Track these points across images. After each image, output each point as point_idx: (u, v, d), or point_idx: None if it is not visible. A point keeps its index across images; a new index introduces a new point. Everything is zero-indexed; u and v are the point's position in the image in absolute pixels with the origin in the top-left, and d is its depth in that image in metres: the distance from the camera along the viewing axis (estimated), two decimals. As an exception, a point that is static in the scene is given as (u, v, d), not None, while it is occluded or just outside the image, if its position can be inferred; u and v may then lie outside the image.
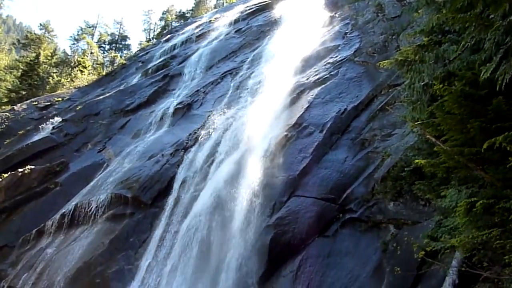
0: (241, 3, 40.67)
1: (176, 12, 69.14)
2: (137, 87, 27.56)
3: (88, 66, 49.72)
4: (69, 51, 62.90)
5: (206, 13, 52.59)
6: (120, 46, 66.45)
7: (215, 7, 61.32)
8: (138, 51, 45.05)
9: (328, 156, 14.73)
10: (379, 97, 16.44)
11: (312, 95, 17.89)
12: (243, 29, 31.06)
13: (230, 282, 12.20)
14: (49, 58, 48.11)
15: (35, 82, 41.33)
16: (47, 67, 46.62)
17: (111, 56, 59.52)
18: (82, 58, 50.48)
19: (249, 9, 35.05)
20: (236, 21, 33.40)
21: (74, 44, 61.84)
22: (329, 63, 20.22)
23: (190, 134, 19.53)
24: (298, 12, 29.71)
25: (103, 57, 60.94)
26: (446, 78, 7.30)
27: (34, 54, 45.23)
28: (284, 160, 14.93)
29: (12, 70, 49.56)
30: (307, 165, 14.34)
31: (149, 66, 31.19)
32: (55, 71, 48.07)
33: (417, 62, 8.09)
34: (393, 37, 19.31)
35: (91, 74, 47.75)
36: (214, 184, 15.18)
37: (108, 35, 65.85)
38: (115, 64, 50.88)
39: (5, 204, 18.75)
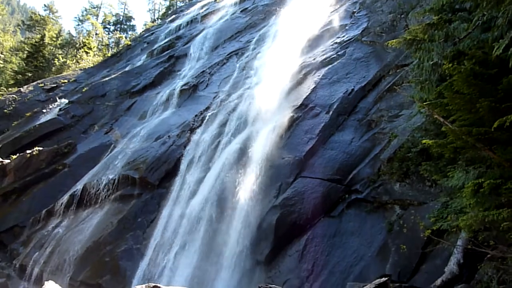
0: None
1: (181, -9, 68.11)
2: (143, 68, 27.45)
3: (93, 47, 49.49)
4: (74, 32, 62.50)
5: (211, -8, 51.72)
6: (125, 27, 65.81)
7: (220, -13, 60.23)
8: (143, 31, 44.62)
9: (335, 137, 14.70)
10: (387, 77, 16.25)
11: (318, 76, 17.73)
12: (249, 8, 30.59)
13: (236, 261, 12.39)
14: (54, 39, 47.92)
15: (41, 64, 41.29)
16: (52, 49, 46.49)
17: (116, 37, 59.11)
18: (87, 39, 50.21)
19: (255, -12, 34.43)
20: (242, 1, 32.87)
21: (78, 25, 61.43)
22: (336, 43, 19.94)
23: (196, 116, 19.52)
24: (304, -9, 29.15)
25: (108, 38, 60.56)
26: (455, 57, 7.17)
27: (39, 36, 45.01)
28: (290, 141, 14.93)
29: (17, 52, 49.47)
30: (313, 146, 14.34)
31: (154, 47, 30.96)
32: (60, 52, 47.95)
33: (426, 41, 7.93)
34: (402, 16, 18.92)
35: (96, 56, 47.57)
36: (220, 165, 15.25)
37: (113, 15, 65.17)
38: (120, 45, 50.62)
39: (15, 185, 19.03)
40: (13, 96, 29.15)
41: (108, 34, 62.19)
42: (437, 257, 9.40)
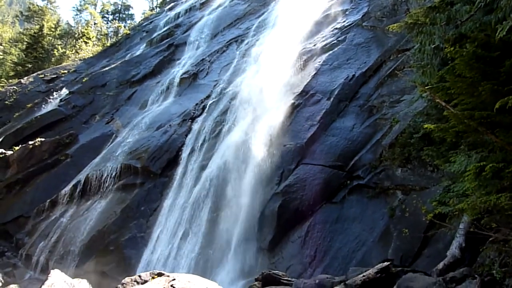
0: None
1: (179, -21, 67.30)
2: (142, 58, 27.30)
3: (92, 37, 49.14)
4: (72, 23, 62.11)
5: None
6: (124, 16, 65.27)
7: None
8: (141, 20, 44.21)
9: (336, 123, 14.68)
10: (388, 62, 16.14)
11: (319, 62, 17.62)
12: (248, -5, 30.25)
13: (240, 248, 12.49)
14: (52, 30, 47.58)
15: (40, 55, 41.08)
16: (51, 39, 46.20)
17: (115, 27, 58.64)
18: (86, 29, 49.86)
19: (254, -26, 33.97)
20: (241, -13, 32.49)
21: (77, 15, 60.93)
22: (336, 28, 19.76)
23: (197, 104, 19.47)
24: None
25: (106, 27, 60.13)
26: (457, 40, 7.08)
27: (37, 26, 44.69)
28: (291, 128, 14.92)
29: (16, 43, 49.18)
30: (314, 133, 14.33)
31: (153, 36, 30.72)
32: (59, 43, 47.66)
33: (428, 25, 7.82)
34: (403, 0, 18.71)
35: (95, 45, 47.24)
36: (222, 153, 15.28)
37: (111, 4, 64.59)
38: (119, 35, 50.20)
39: (18, 176, 19.11)
40: (13, 88, 29.08)
41: (107, 23, 61.75)
42: (439, 241, 9.45)
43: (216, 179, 14.38)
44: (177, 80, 22.45)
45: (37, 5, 53.89)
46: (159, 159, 16.69)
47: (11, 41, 50.61)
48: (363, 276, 7.98)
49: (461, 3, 7.37)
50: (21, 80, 31.04)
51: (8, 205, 18.06)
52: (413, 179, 11.47)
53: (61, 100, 25.05)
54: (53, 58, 42.49)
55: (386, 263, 8.12)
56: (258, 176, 13.78)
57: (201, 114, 18.65)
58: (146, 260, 13.46)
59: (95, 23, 57.01)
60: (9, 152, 20.10)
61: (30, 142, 20.14)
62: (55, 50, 44.05)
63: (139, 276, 9.12)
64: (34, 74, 31.87)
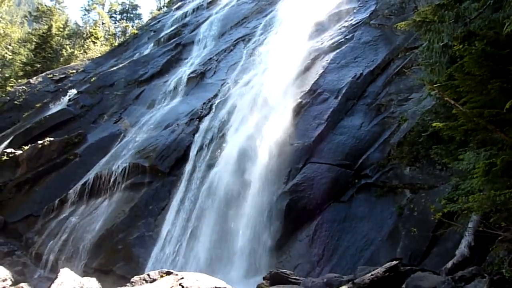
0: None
1: (186, -22, 67.43)
2: (150, 57, 27.44)
3: (100, 37, 49.52)
4: (80, 23, 62.64)
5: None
6: (131, 15, 65.67)
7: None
8: (149, 20, 44.43)
9: (344, 122, 14.63)
10: (396, 61, 16.05)
11: (327, 60, 17.57)
12: (255, -7, 30.23)
13: (247, 246, 12.52)
14: (61, 30, 48.01)
15: (49, 55, 41.48)
16: (59, 39, 46.62)
17: (123, 26, 59.05)
18: (94, 29, 50.26)
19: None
20: (248, -14, 32.47)
21: (85, 15, 61.46)
22: (344, 26, 19.69)
23: (204, 103, 19.53)
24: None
25: (114, 27, 60.56)
26: (466, 38, 7.03)
27: (46, 27, 45.13)
28: (299, 127, 14.90)
29: (25, 44, 49.68)
30: (322, 132, 14.30)
31: (161, 35, 30.86)
32: (68, 43, 48.09)
33: (436, 22, 7.78)
34: (411, -3, 18.59)
35: (103, 45, 47.61)
36: (229, 152, 15.30)
37: (119, 4, 65.05)
38: (127, 34, 50.53)
39: (28, 175, 19.31)
40: (23, 88, 29.42)
41: (115, 23, 62.19)
42: (448, 240, 9.39)
43: (224, 178, 14.41)
44: (184, 79, 22.53)
45: (45, 5, 54.45)
46: (167, 158, 16.78)
47: (20, 41, 51.11)
48: (372, 275, 7.95)
49: (469, 1, 7.31)
50: (30, 80, 31.38)
51: (17, 204, 18.26)
52: (422, 177, 11.41)
53: (69, 100, 25.27)
54: (61, 58, 42.90)
55: (394, 262, 8.08)
56: (265, 175, 13.79)
57: (208, 113, 18.70)
58: (155, 259, 13.53)
59: (103, 23, 57.43)
60: (19, 152, 20.31)
61: (39, 142, 20.34)
62: (64, 50, 44.46)
63: (148, 274, 9.19)
64: (43, 74, 32.21)
